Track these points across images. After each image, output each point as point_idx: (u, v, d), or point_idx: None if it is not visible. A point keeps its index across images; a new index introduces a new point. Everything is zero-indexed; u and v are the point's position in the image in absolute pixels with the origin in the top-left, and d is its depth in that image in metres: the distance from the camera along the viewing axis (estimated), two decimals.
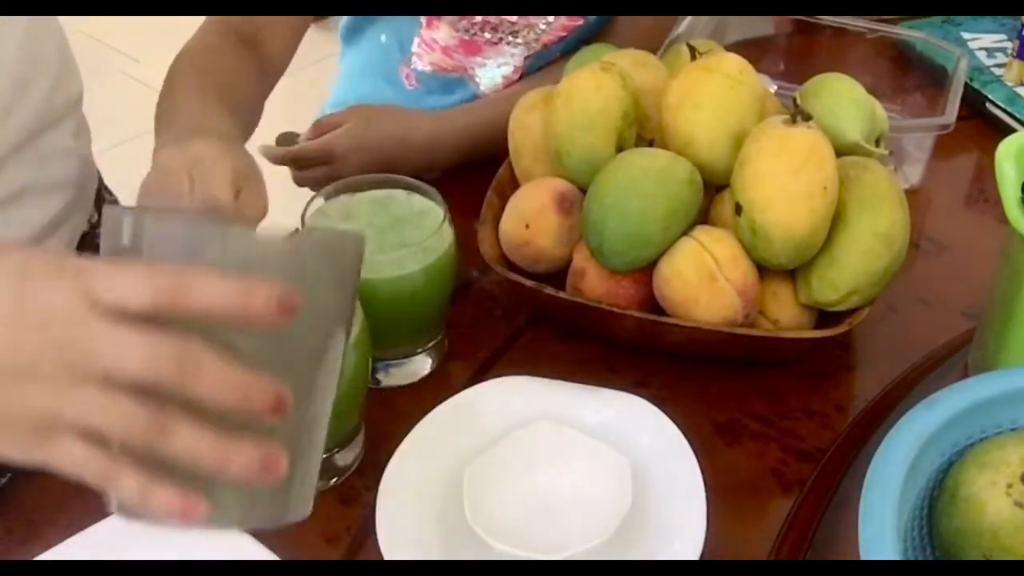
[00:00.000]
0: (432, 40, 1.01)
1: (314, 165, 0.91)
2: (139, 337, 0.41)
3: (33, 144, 0.74)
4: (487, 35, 0.99)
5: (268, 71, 0.90)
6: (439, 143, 0.94)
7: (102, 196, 0.89)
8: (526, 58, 1.01)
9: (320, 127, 0.93)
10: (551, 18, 0.98)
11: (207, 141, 0.69)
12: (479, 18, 0.98)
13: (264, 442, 0.43)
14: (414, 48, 1.03)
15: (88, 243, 0.85)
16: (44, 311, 0.42)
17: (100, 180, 0.88)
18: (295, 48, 0.93)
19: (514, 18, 0.97)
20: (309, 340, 0.45)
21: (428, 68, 1.03)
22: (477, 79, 1.03)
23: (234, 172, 0.66)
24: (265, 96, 0.91)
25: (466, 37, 1.00)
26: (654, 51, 0.86)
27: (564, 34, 1.00)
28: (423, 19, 1.00)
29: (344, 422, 0.65)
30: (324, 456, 0.53)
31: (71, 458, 0.43)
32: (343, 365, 0.49)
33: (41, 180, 0.75)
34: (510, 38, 0.99)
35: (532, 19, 0.98)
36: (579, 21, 0.99)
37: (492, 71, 1.02)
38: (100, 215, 0.87)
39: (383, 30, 1.07)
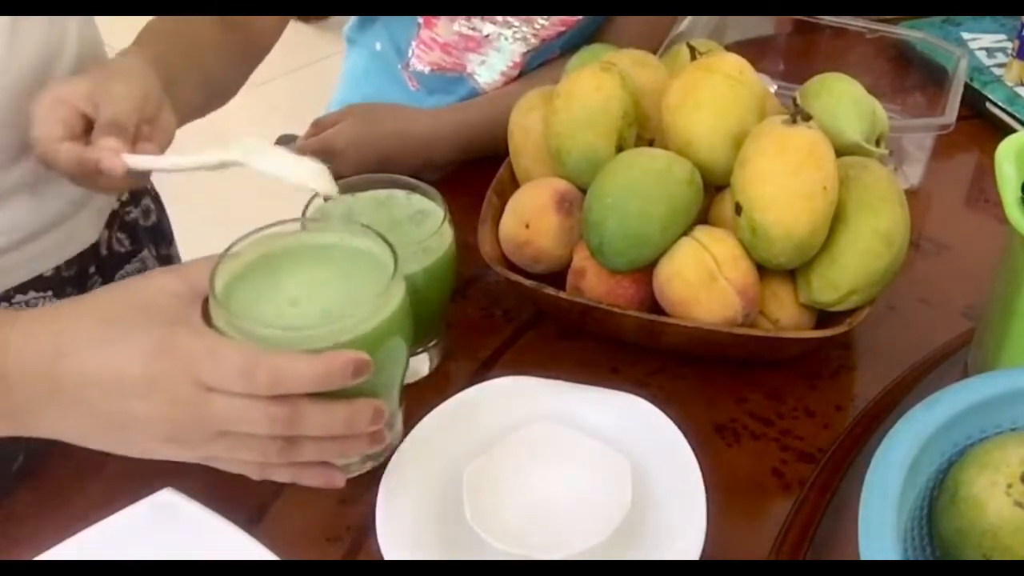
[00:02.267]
0: (431, 39, 1.01)
1: None
2: (256, 407, 0.51)
3: None
4: (486, 29, 0.99)
5: (253, 45, 0.89)
6: (438, 138, 0.94)
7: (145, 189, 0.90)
8: (524, 54, 1.01)
9: (319, 125, 0.93)
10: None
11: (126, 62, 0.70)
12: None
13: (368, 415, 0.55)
14: (412, 50, 1.03)
15: (117, 221, 0.86)
16: (170, 393, 0.51)
17: None
18: (284, 24, 0.92)
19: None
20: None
21: (427, 69, 1.04)
22: (477, 76, 1.03)
23: (85, 97, 0.64)
24: (242, 68, 0.88)
25: (464, 31, 1.00)
26: (654, 50, 0.86)
27: (563, 29, 1.00)
28: (420, 19, 1.00)
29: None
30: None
31: (230, 467, 0.55)
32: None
33: None
34: (508, 33, 0.99)
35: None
36: (578, 17, 0.99)
37: (491, 68, 1.02)
38: (129, 193, 0.87)
39: (377, 37, 1.06)
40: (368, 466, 0.65)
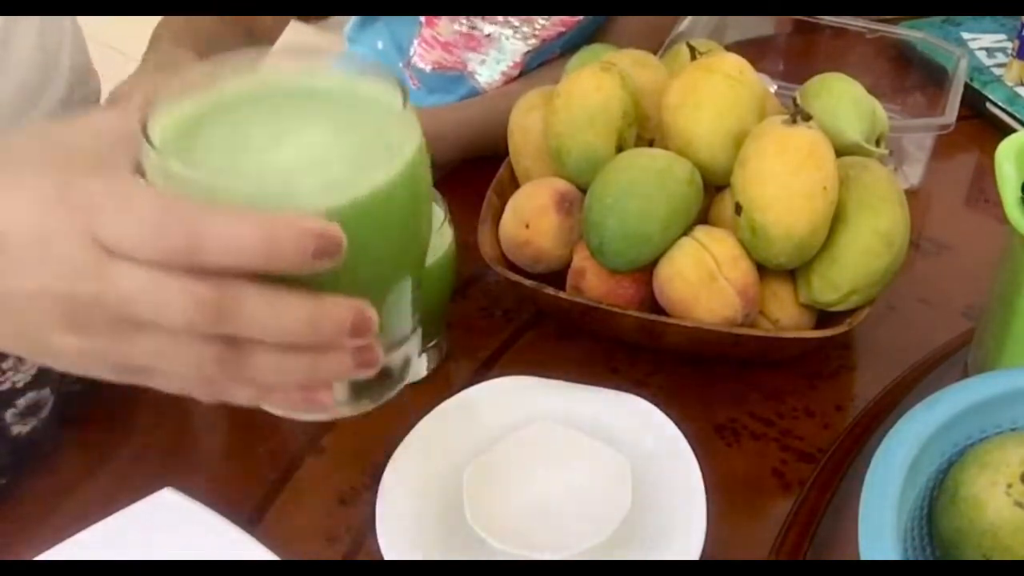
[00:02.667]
0: (432, 38, 1.01)
1: None
2: (168, 283, 0.36)
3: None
4: (487, 28, 0.99)
5: (256, 43, 0.88)
6: (438, 138, 0.94)
7: None
8: (525, 54, 1.01)
9: None
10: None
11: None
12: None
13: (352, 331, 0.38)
14: (414, 49, 1.03)
15: None
16: (64, 260, 0.37)
17: None
18: (285, 21, 0.93)
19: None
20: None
21: (428, 67, 1.04)
22: (477, 75, 1.03)
23: None
24: None
25: (465, 30, 1.00)
26: (654, 50, 0.86)
27: (563, 29, 1.00)
28: (422, 18, 1.01)
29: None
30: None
31: (170, 388, 0.40)
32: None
33: None
34: (509, 32, 0.99)
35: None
36: (578, 17, 0.99)
37: (492, 67, 1.02)
38: None
39: (379, 36, 1.07)
40: (364, 405, 0.46)
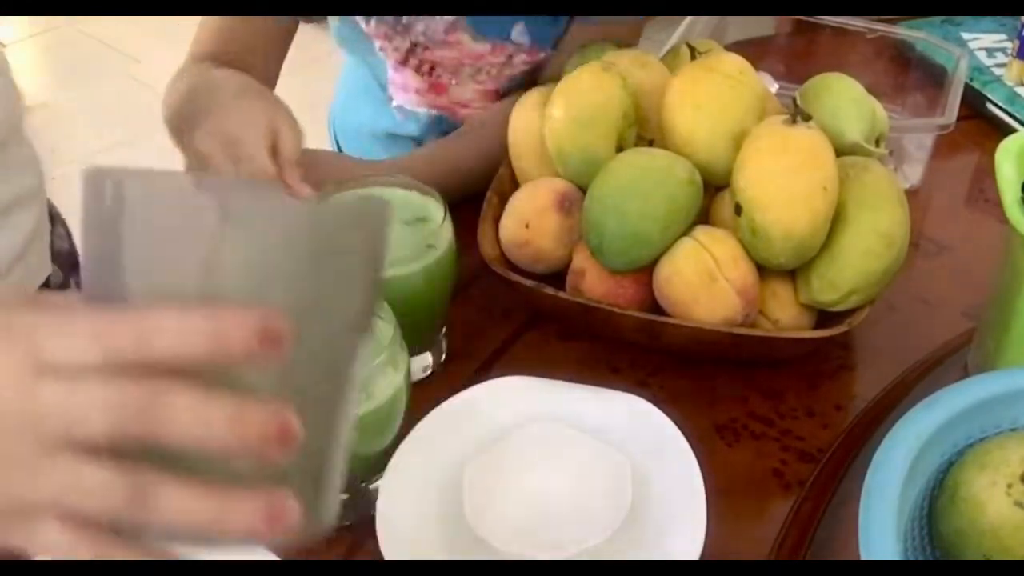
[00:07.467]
0: (403, 83, 0.99)
1: None
2: (96, 389, 0.35)
3: (4, 154, 0.72)
4: (449, 78, 0.96)
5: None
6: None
7: (53, 211, 0.86)
8: (497, 91, 0.98)
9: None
10: (513, 57, 0.93)
11: (226, 110, 0.71)
12: (437, 60, 0.94)
13: (265, 484, 0.36)
14: (389, 88, 1.01)
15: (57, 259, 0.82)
16: None
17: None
18: (277, 74, 0.92)
19: (470, 59, 0.93)
20: (328, 346, 0.38)
21: (408, 107, 1.01)
22: (459, 116, 1.00)
23: (266, 128, 0.68)
24: None
25: (429, 79, 0.97)
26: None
27: (526, 68, 0.96)
28: (390, 62, 0.97)
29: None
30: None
31: (56, 546, 0.37)
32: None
33: (17, 193, 0.73)
34: (471, 83, 0.96)
35: (491, 59, 0.93)
36: (540, 55, 0.94)
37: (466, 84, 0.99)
38: (61, 228, 0.84)
39: (360, 64, 1.03)
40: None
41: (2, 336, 0.37)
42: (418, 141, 1.03)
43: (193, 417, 0.35)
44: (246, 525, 0.37)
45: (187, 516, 0.36)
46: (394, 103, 1.01)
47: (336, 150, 1.15)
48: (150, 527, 0.37)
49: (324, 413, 0.38)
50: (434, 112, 1.00)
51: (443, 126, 1.01)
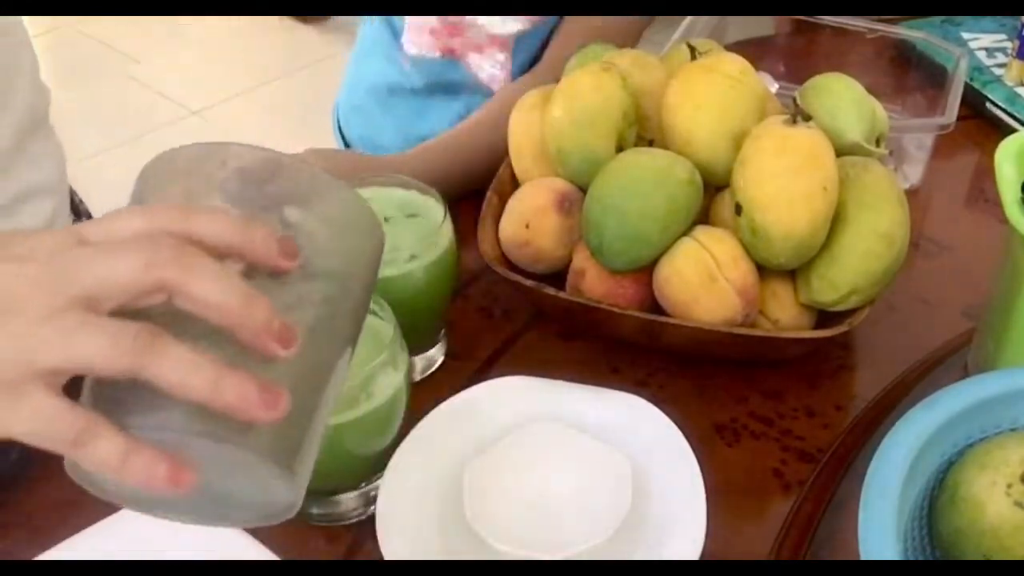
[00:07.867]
0: (419, 22, 1.02)
1: None
2: (131, 246, 0.39)
3: (24, 145, 0.73)
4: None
5: None
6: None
7: (75, 202, 0.88)
8: (515, 34, 1.00)
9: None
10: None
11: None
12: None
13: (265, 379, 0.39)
14: (404, 32, 1.03)
15: None
16: (30, 247, 0.39)
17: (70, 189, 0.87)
18: None
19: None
20: (339, 315, 0.43)
21: (418, 52, 1.04)
22: (468, 63, 1.03)
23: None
24: None
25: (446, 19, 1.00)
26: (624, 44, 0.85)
27: (538, 20, 0.99)
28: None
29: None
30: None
31: (39, 415, 0.38)
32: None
33: (36, 181, 0.75)
34: (485, 27, 0.99)
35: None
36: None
37: (485, 60, 1.02)
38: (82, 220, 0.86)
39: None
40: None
41: (48, 232, 0.40)
42: (420, 96, 1.06)
43: (215, 284, 0.38)
44: (240, 401, 0.38)
45: (186, 379, 0.37)
46: (405, 48, 1.04)
47: (343, 147, 1.16)
48: (135, 419, 0.38)
49: (311, 388, 0.41)
50: (444, 58, 1.03)
51: (449, 74, 1.04)
